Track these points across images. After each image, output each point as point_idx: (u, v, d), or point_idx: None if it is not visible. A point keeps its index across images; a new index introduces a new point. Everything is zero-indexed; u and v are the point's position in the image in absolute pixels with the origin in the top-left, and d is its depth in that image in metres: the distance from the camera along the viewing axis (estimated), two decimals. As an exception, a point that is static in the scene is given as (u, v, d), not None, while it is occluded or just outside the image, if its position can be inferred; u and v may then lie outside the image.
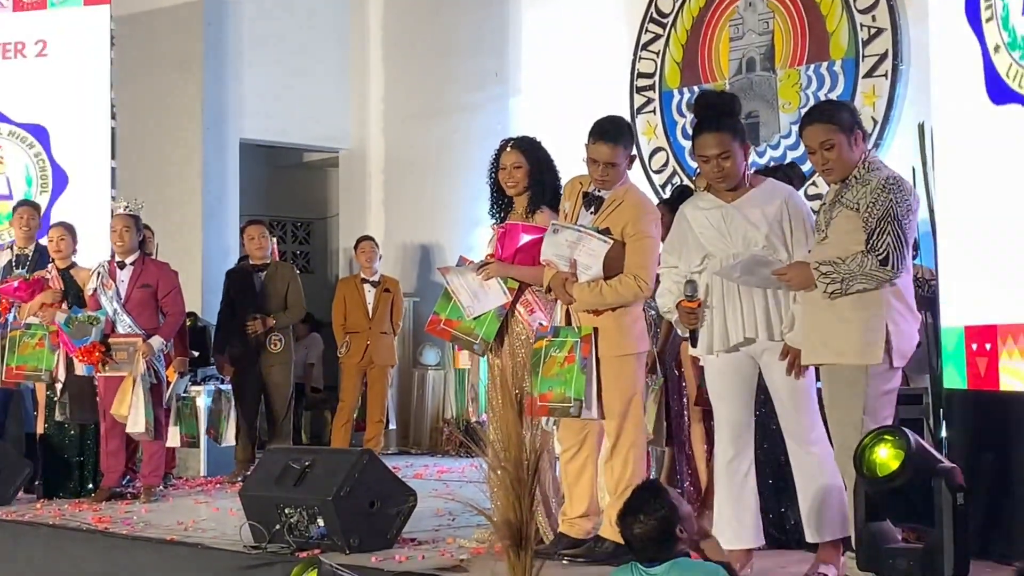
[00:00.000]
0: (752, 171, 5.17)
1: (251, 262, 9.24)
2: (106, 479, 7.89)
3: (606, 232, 5.30)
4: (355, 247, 10.02)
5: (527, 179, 5.73)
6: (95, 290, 7.81)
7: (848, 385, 4.61)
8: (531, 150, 5.79)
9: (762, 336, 4.88)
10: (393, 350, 9.80)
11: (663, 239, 6.25)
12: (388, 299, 9.71)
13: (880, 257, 4.50)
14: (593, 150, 5.33)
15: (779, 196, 4.96)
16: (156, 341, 7.76)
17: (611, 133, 5.34)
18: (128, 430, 7.68)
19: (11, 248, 8.53)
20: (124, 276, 7.85)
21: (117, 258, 7.93)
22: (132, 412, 7.61)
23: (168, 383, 8.01)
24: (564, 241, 5.34)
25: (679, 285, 5.01)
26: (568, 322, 5.44)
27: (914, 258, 6.56)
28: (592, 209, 5.37)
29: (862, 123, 4.78)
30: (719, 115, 4.98)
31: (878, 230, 4.51)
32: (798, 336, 4.80)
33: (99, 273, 7.84)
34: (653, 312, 6.02)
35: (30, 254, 8.48)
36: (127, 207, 7.98)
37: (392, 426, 10.35)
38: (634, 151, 5.50)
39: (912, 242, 4.60)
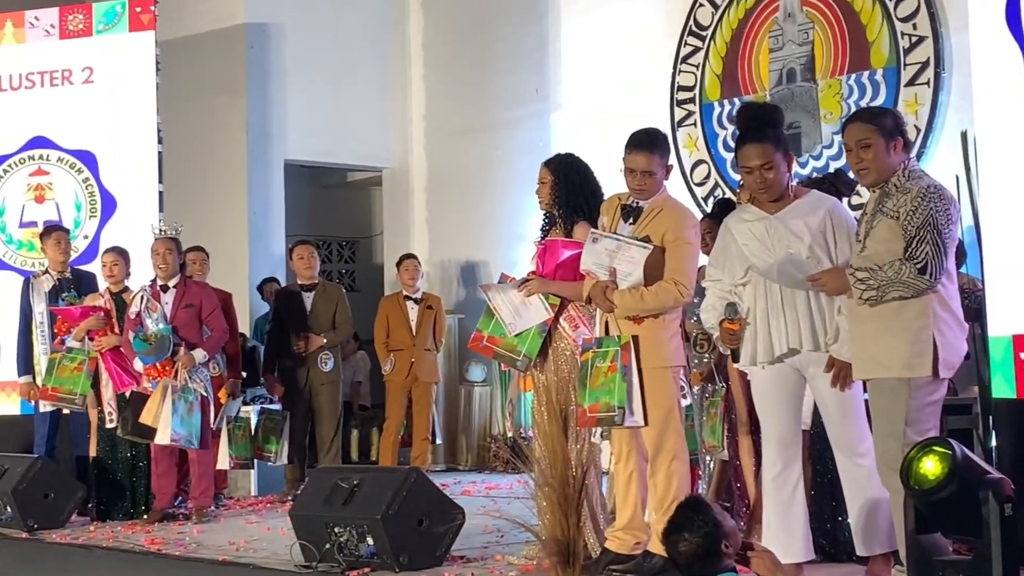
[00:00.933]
0: (796, 182, 5.17)
1: (299, 282, 9.30)
2: (158, 500, 7.96)
3: (646, 240, 5.35)
4: (398, 265, 10.07)
5: (551, 194, 5.83)
6: (138, 313, 7.87)
7: (891, 396, 4.59)
8: (558, 166, 5.89)
9: (807, 346, 4.88)
10: (437, 367, 9.84)
11: (707, 252, 6.33)
12: (431, 316, 9.74)
13: (919, 265, 4.48)
14: (630, 160, 5.39)
15: (823, 207, 4.96)
16: (198, 353, 7.83)
17: (646, 143, 5.41)
18: (156, 440, 7.72)
19: (48, 274, 8.60)
20: (168, 298, 7.93)
21: (160, 281, 8.00)
22: (161, 423, 7.66)
23: (220, 405, 8.07)
24: (603, 250, 5.39)
25: (723, 301, 5.01)
26: (608, 332, 5.46)
27: (959, 267, 6.53)
28: (631, 220, 5.41)
29: (906, 132, 4.75)
30: (762, 126, 5.00)
31: (917, 238, 4.49)
32: (843, 349, 4.79)
33: (143, 296, 7.91)
34: (695, 318, 6.04)
35: (70, 277, 8.56)
36: (165, 230, 8.05)
37: (438, 441, 10.37)
38: (671, 161, 5.54)
39: (952, 251, 4.56)
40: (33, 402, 8.58)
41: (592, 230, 5.49)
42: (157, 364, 7.74)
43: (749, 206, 5.11)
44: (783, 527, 4.98)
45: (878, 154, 4.63)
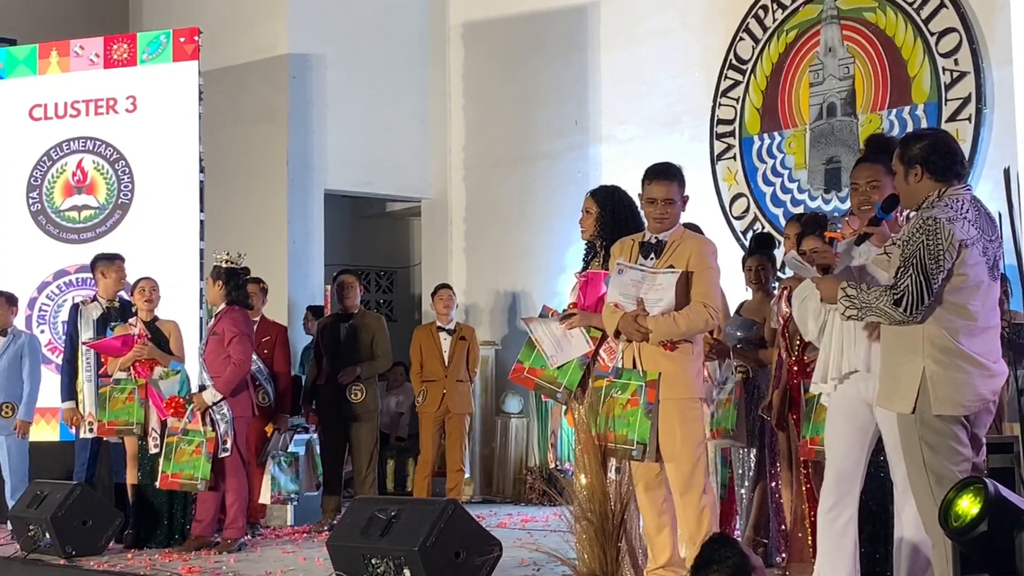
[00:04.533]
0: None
1: (343, 311, 9.29)
2: (195, 527, 7.98)
3: (669, 269, 5.42)
4: (432, 295, 10.01)
5: (596, 226, 5.90)
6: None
7: (903, 432, 4.54)
8: (604, 198, 5.93)
9: (862, 368, 4.86)
10: (470, 398, 9.75)
11: (754, 286, 6.34)
12: (464, 347, 9.65)
13: (896, 296, 4.41)
14: (650, 190, 5.50)
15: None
16: (208, 394, 7.79)
17: (666, 172, 5.55)
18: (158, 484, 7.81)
19: (97, 301, 8.67)
20: (209, 326, 8.02)
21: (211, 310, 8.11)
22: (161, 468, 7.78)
23: (266, 437, 8.06)
24: (630, 281, 5.44)
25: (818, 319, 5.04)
26: (634, 365, 5.46)
27: (1008, 304, 6.48)
28: (652, 255, 5.44)
29: (933, 160, 4.59)
30: (880, 151, 5.03)
31: (902, 270, 4.44)
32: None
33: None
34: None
35: (118, 307, 8.62)
36: (217, 258, 8.09)
37: (467, 474, 10.29)
38: (687, 193, 5.61)
39: (931, 290, 4.38)
40: (74, 428, 8.64)
41: (618, 261, 5.52)
42: (173, 403, 7.78)
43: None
44: (830, 562, 4.95)
45: (897, 185, 4.67)
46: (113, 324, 8.37)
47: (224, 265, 7.98)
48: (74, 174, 10.15)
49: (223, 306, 7.99)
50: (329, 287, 9.45)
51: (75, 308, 8.73)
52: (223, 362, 7.83)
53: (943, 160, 4.58)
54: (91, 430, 8.41)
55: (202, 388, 7.86)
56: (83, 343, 8.49)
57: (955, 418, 4.46)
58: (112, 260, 8.71)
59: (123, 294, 8.63)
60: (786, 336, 6.01)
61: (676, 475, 5.38)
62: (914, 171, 4.58)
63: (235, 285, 7.97)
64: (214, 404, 7.78)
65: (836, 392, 4.99)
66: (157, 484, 7.89)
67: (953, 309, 4.45)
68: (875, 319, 4.52)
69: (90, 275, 8.97)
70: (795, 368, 6.00)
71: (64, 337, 8.83)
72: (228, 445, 7.76)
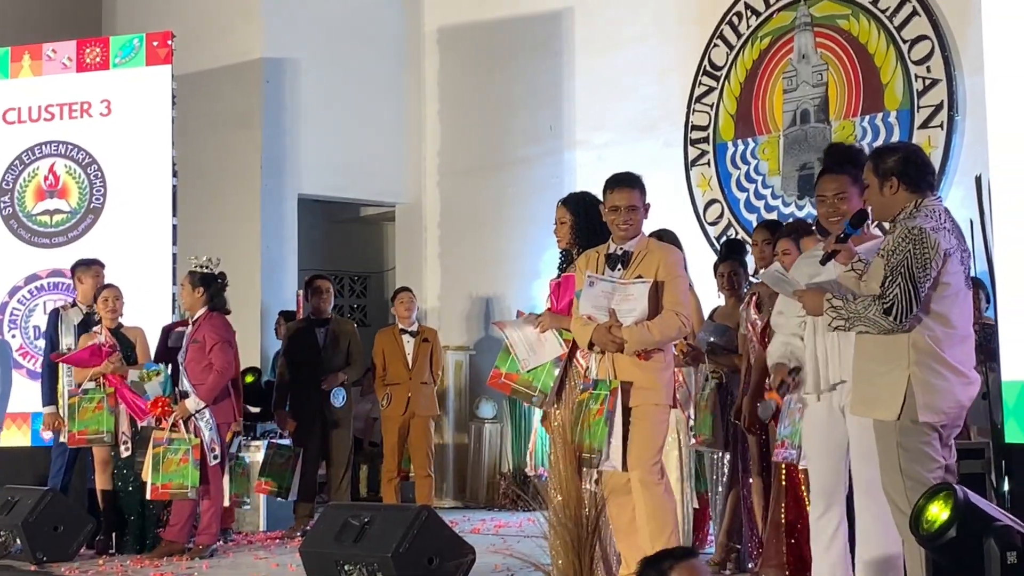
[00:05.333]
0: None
1: (314, 316, 9.25)
2: (168, 532, 7.96)
3: (639, 279, 5.44)
4: (392, 298, 9.84)
5: (571, 234, 5.91)
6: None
7: (880, 439, 4.58)
8: (576, 206, 5.94)
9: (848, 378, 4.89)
10: (435, 400, 9.60)
11: (727, 292, 6.39)
12: (427, 349, 9.49)
13: (886, 305, 4.45)
14: (613, 198, 5.52)
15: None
16: (191, 402, 7.77)
17: (626, 180, 5.57)
18: (148, 495, 7.80)
19: (77, 307, 8.62)
20: (189, 332, 7.97)
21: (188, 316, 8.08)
22: (149, 478, 7.76)
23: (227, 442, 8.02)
24: (601, 292, 5.45)
25: (787, 347, 5.11)
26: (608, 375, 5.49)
27: (985, 309, 6.52)
28: (619, 266, 5.47)
29: (906, 172, 4.63)
30: (843, 162, 5.08)
31: (890, 279, 4.47)
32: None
33: (183, 332, 8.01)
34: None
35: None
36: (195, 264, 8.05)
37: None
38: (648, 201, 5.62)
39: (925, 296, 4.44)
40: (51, 433, 8.59)
41: (589, 273, 5.53)
42: (160, 403, 7.76)
43: (820, 246, 5.18)
44: (827, 568, 5.02)
45: (870, 198, 4.69)
46: (94, 329, 8.33)
47: (201, 271, 7.96)
48: (46, 178, 10.08)
49: (202, 312, 7.96)
50: (301, 291, 9.38)
51: (55, 313, 8.70)
52: (205, 369, 7.81)
53: (918, 172, 4.63)
54: (70, 434, 8.37)
55: (184, 395, 7.83)
56: (52, 357, 8.44)
57: (932, 425, 4.50)
58: (90, 265, 8.67)
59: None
60: (764, 342, 6.02)
61: (636, 477, 5.39)
62: (889, 183, 4.61)
63: (214, 291, 7.96)
64: (197, 412, 7.76)
65: (812, 405, 5.02)
66: (148, 495, 7.85)
67: (936, 318, 4.50)
68: (863, 329, 4.53)
69: (61, 279, 8.91)
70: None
71: (45, 341, 8.76)
72: (218, 452, 7.78)
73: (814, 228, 5.91)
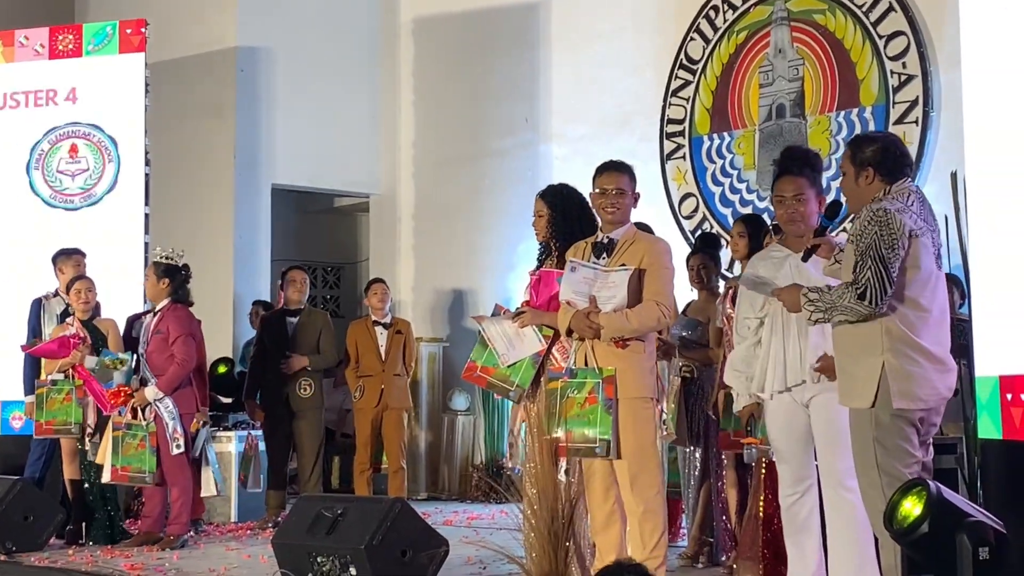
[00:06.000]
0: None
1: (288, 307, 9.21)
2: (142, 523, 7.95)
3: (621, 267, 5.42)
4: (366, 290, 9.79)
5: (549, 227, 5.89)
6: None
7: (856, 431, 4.59)
8: (554, 199, 5.93)
9: (809, 379, 4.93)
10: (408, 393, 9.55)
11: (698, 286, 6.39)
12: (400, 340, 9.42)
13: (859, 291, 4.45)
14: (600, 181, 5.54)
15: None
16: (149, 391, 7.74)
17: (615, 165, 5.62)
18: (104, 479, 7.76)
19: (60, 296, 8.52)
20: (152, 323, 7.92)
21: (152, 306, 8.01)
22: (106, 462, 7.72)
23: (195, 433, 7.97)
24: (582, 279, 5.45)
25: (746, 376, 5.19)
26: (586, 364, 5.46)
27: (960, 306, 6.54)
28: (604, 254, 5.46)
29: (880, 161, 4.64)
30: (802, 165, 5.13)
31: (860, 263, 4.46)
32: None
33: (144, 321, 7.96)
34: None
35: None
36: (158, 254, 8.01)
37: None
38: (638, 191, 5.63)
39: (894, 277, 4.43)
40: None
41: (570, 259, 5.53)
42: (122, 392, 7.72)
43: (777, 245, 5.24)
44: (798, 556, 5.08)
45: (845, 186, 4.72)
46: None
47: (166, 262, 7.91)
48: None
49: (165, 303, 7.92)
50: (280, 282, 9.34)
51: (37, 302, 8.63)
52: (166, 360, 7.79)
53: (894, 163, 4.64)
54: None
55: (144, 383, 7.79)
56: (23, 348, 8.37)
57: (907, 419, 4.49)
58: (70, 255, 8.62)
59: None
60: None
61: (627, 474, 5.38)
62: (865, 173, 4.62)
63: (178, 282, 7.93)
64: (157, 400, 7.72)
65: (772, 400, 5.07)
66: (107, 478, 7.80)
67: (908, 303, 4.50)
68: (842, 318, 4.54)
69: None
70: None
71: (28, 331, 8.69)
72: (181, 442, 7.74)
73: (771, 230, 5.96)
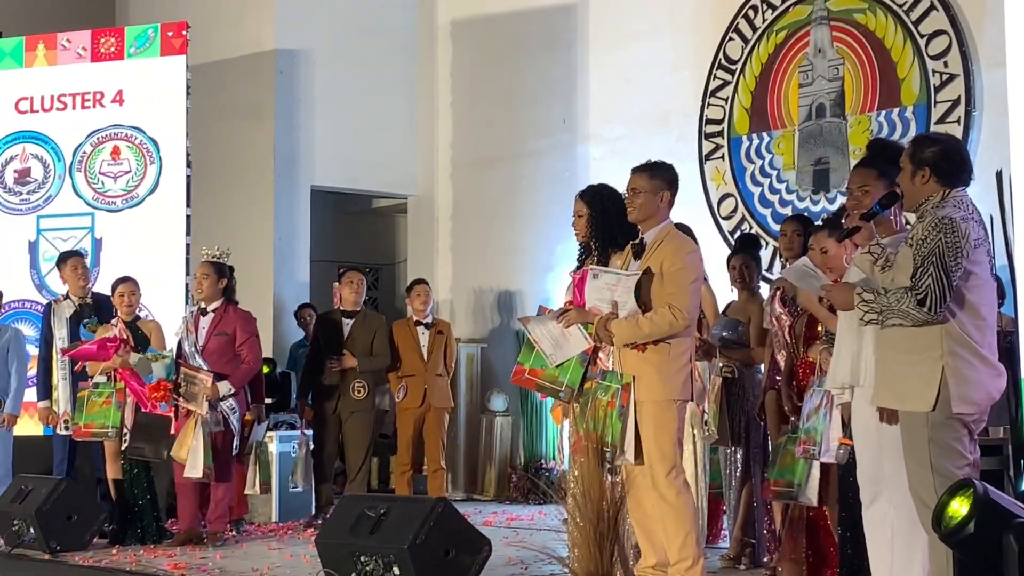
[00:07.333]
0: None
1: (343, 307, 9.23)
2: (181, 522, 7.99)
3: (647, 272, 5.42)
4: (408, 290, 9.83)
5: (588, 227, 5.91)
6: (181, 337, 7.93)
7: (910, 432, 4.55)
8: (593, 198, 5.95)
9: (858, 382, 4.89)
10: (449, 393, 9.60)
11: (740, 286, 6.35)
12: (442, 341, 9.48)
13: (919, 296, 4.43)
14: (628, 183, 5.59)
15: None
16: (223, 385, 7.80)
17: (644, 167, 5.63)
18: (185, 474, 7.76)
19: (69, 299, 8.58)
20: (205, 323, 7.95)
21: (201, 305, 8.04)
22: (191, 456, 7.70)
23: (246, 430, 8.04)
24: (604, 285, 5.46)
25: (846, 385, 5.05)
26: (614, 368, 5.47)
27: (1000, 306, 6.51)
28: (638, 256, 5.48)
29: (939, 163, 4.60)
30: (877, 156, 5.06)
31: (921, 269, 4.44)
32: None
33: (185, 319, 7.97)
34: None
35: (91, 303, 8.56)
36: (208, 254, 8.05)
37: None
38: (667, 192, 5.59)
39: (955, 285, 4.42)
40: (51, 426, 8.59)
41: (591, 267, 5.54)
42: (162, 386, 7.76)
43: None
44: (877, 554, 4.94)
45: (901, 182, 4.68)
46: (86, 321, 8.31)
47: (219, 261, 7.99)
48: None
49: (219, 303, 7.96)
50: (337, 284, 9.34)
51: (47, 307, 8.69)
52: (230, 361, 7.86)
53: (953, 167, 4.61)
54: (67, 428, 8.35)
55: (220, 378, 7.79)
56: (61, 351, 8.42)
57: (961, 420, 4.49)
58: (66, 259, 8.67)
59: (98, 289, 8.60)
60: (793, 336, 6.01)
61: (648, 477, 5.37)
62: (922, 172, 4.60)
63: (233, 282, 8.02)
64: (223, 399, 7.79)
65: (855, 400, 4.99)
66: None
67: (967, 309, 4.49)
68: (897, 321, 4.50)
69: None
70: (801, 369, 5.98)
71: (39, 336, 8.76)
72: (236, 442, 7.85)
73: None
